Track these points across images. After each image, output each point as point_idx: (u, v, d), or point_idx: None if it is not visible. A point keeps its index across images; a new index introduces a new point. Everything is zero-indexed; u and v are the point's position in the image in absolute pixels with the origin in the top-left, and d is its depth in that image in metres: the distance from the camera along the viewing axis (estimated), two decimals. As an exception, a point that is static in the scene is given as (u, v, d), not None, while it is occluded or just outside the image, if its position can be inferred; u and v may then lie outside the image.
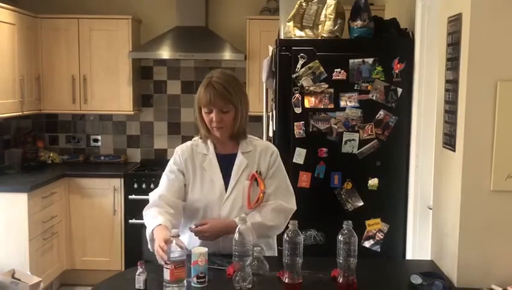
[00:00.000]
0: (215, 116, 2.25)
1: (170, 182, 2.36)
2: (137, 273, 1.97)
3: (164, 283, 1.92)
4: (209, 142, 2.38)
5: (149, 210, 2.29)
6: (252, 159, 2.35)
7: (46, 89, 4.88)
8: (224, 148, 2.38)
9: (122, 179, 4.64)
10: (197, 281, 1.97)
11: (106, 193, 4.64)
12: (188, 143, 2.43)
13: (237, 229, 2.02)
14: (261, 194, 2.29)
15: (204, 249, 2.01)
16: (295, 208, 2.38)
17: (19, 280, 3.79)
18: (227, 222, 2.24)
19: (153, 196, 2.34)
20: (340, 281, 1.97)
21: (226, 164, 2.34)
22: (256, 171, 2.33)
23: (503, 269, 2.04)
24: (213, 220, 2.26)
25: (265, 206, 2.31)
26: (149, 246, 2.20)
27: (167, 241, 1.98)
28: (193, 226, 2.26)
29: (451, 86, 2.18)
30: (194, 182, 2.34)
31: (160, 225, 2.15)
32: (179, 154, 2.39)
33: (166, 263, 1.92)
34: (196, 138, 2.43)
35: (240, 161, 2.34)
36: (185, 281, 1.94)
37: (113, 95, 4.87)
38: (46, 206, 4.27)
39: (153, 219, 2.22)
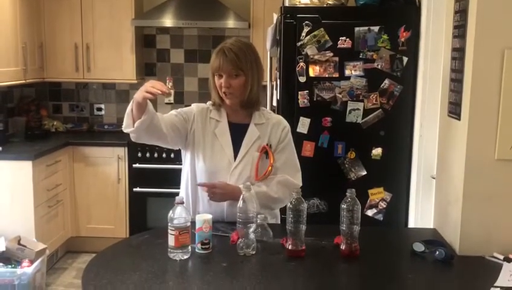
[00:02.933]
0: (224, 81, 2.25)
1: (169, 115, 2.35)
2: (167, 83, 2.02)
3: (169, 249, 1.94)
4: (222, 109, 2.37)
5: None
6: (264, 132, 2.35)
7: (49, 57, 4.85)
8: (237, 117, 2.37)
9: (126, 148, 4.65)
10: (202, 248, 1.99)
11: (110, 162, 4.66)
12: (205, 105, 2.41)
13: (241, 197, 2.03)
14: (270, 167, 2.30)
15: (209, 216, 2.03)
16: (301, 184, 2.38)
17: (25, 246, 3.84)
18: (238, 188, 2.23)
19: None
20: (343, 248, 1.99)
21: (237, 133, 2.34)
22: (267, 144, 2.33)
23: (505, 237, 2.05)
24: (222, 182, 2.27)
25: (272, 179, 2.32)
26: (125, 120, 2.20)
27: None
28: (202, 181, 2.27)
29: (458, 54, 2.16)
30: (205, 145, 2.33)
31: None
32: (194, 110, 2.38)
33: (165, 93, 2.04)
34: (209, 104, 2.41)
35: (252, 131, 2.34)
36: (189, 247, 1.96)
37: (116, 63, 4.84)
38: (50, 174, 4.30)
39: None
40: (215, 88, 2.32)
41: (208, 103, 2.42)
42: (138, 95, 2.10)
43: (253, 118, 2.37)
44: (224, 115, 2.37)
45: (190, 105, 2.45)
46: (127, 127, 2.21)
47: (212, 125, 2.36)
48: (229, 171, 2.31)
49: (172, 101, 2.03)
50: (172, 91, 2.04)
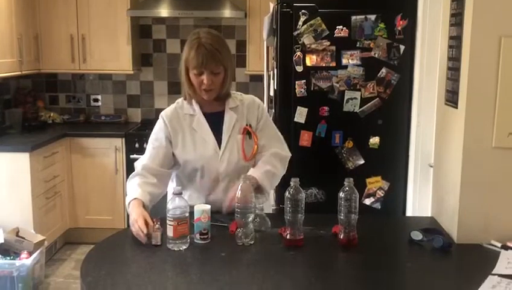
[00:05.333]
0: (207, 78, 2.21)
1: (155, 150, 2.33)
2: (153, 229, 1.98)
3: (168, 239, 1.95)
4: (193, 102, 2.35)
5: (131, 180, 2.29)
6: (241, 114, 2.36)
7: (44, 48, 4.83)
8: (211, 106, 2.36)
9: (123, 139, 4.65)
10: (200, 238, 1.99)
11: (108, 153, 4.66)
12: (172, 106, 2.40)
13: (239, 187, 2.03)
14: (256, 146, 2.32)
15: (207, 206, 2.03)
16: (290, 155, 2.43)
17: (24, 238, 3.84)
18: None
19: (137, 165, 2.34)
20: (341, 237, 1.99)
21: (214, 121, 2.34)
22: (247, 124, 2.34)
23: (502, 225, 2.05)
24: (227, 197, 2.27)
25: (265, 155, 2.34)
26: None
27: (147, 223, 2.01)
28: (224, 209, 2.27)
29: (455, 42, 2.15)
30: (185, 143, 2.32)
31: (135, 198, 2.16)
32: (164, 119, 2.36)
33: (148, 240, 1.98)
34: (180, 100, 2.40)
35: (229, 116, 2.35)
36: (188, 238, 1.96)
37: (112, 54, 4.82)
38: (48, 165, 4.29)
39: (131, 190, 2.22)
40: (189, 83, 2.27)
41: (175, 102, 2.40)
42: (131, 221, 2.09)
43: (226, 103, 2.36)
44: (196, 108, 2.35)
45: (179, 99, 2.43)
46: None
47: (187, 120, 2.34)
48: (217, 159, 2.31)
49: (159, 243, 1.98)
50: (159, 233, 1.99)
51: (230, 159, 2.31)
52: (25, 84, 5.16)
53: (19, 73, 4.45)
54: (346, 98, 3.34)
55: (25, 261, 3.63)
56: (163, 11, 4.67)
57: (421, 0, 3.23)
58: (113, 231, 2.28)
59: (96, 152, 4.66)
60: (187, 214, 1.96)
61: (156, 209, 2.26)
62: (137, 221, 2.02)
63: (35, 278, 3.80)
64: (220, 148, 2.32)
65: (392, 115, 3.38)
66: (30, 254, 3.71)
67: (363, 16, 3.26)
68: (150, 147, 2.36)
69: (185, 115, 2.35)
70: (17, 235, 3.85)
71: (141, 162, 2.33)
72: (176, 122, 2.34)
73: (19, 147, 4.07)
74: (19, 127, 4.71)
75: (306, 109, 3.36)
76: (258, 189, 2.23)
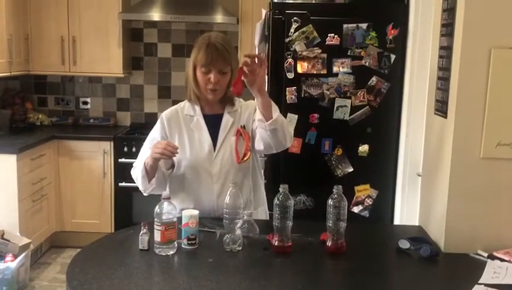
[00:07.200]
0: (214, 77, 2.24)
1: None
2: (140, 233, 1.97)
3: (155, 244, 1.93)
4: (196, 104, 2.38)
5: (135, 169, 2.34)
6: (238, 117, 2.38)
7: (34, 50, 4.79)
8: (212, 109, 2.38)
9: (112, 142, 4.62)
10: (188, 243, 1.98)
11: (96, 156, 4.63)
12: (173, 107, 2.44)
13: (228, 193, 2.03)
14: (246, 145, 2.28)
15: (195, 212, 2.02)
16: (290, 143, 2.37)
17: (9, 240, 3.80)
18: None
19: (136, 163, 2.36)
20: (329, 244, 1.99)
21: (213, 123, 2.36)
22: (241, 126, 2.35)
23: (489, 235, 2.06)
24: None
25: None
26: (140, 187, 2.31)
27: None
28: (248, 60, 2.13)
29: (445, 52, 2.17)
30: (182, 143, 2.33)
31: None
32: (163, 119, 2.38)
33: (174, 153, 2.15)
34: (182, 102, 2.43)
35: (226, 119, 2.36)
36: (175, 243, 1.95)
37: (102, 57, 4.80)
38: (35, 168, 4.25)
39: (139, 167, 2.29)
40: (196, 82, 2.30)
41: (178, 104, 2.42)
42: (152, 156, 2.20)
43: (226, 107, 2.38)
44: (197, 109, 2.37)
45: (177, 100, 2.44)
46: (145, 190, 2.33)
47: (187, 121, 2.37)
48: (211, 160, 2.31)
49: (146, 248, 1.97)
50: (146, 237, 1.97)
51: (223, 161, 2.31)
52: (13, 85, 5.12)
53: (8, 74, 4.41)
54: (336, 105, 3.35)
55: (10, 264, 3.59)
56: (155, 15, 4.66)
57: (413, 9, 3.25)
58: (100, 235, 2.26)
59: (84, 155, 4.63)
60: (175, 219, 1.95)
61: (144, 213, 2.25)
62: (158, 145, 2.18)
63: (20, 281, 3.76)
64: (214, 149, 2.32)
65: (382, 124, 3.40)
66: (15, 256, 3.67)
67: (354, 25, 3.28)
68: (147, 147, 2.36)
69: (186, 116, 2.37)
70: (2, 237, 3.81)
71: (140, 161, 2.33)
72: (175, 122, 2.37)
73: (6, 148, 4.03)
74: (7, 128, 4.67)
75: (296, 116, 3.37)
76: (265, 106, 2.18)
